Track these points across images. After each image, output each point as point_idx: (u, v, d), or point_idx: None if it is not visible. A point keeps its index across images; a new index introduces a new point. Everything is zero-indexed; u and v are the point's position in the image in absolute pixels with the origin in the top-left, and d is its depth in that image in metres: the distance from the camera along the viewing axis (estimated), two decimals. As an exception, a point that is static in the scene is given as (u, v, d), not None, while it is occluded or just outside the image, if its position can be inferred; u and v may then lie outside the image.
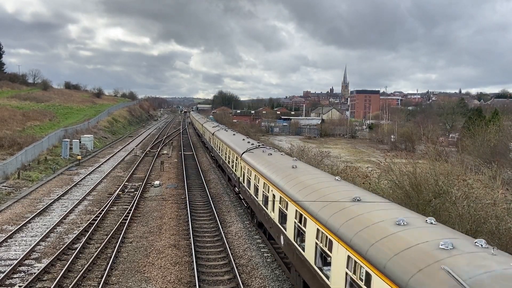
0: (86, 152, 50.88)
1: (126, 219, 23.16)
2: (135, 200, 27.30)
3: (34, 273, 15.93)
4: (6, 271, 15.76)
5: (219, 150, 38.53)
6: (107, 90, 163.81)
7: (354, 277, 9.32)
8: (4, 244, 19.05)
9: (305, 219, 12.83)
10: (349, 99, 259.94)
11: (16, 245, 19.09)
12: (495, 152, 38.16)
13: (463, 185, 17.94)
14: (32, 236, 20.36)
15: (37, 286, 15.07)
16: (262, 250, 19.13)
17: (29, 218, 22.93)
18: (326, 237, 11.05)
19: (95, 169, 40.38)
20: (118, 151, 54.96)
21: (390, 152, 38.01)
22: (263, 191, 18.90)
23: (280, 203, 15.98)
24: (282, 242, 15.59)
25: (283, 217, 15.58)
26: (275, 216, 16.71)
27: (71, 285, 14.74)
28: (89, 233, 20.67)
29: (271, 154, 22.93)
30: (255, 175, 20.87)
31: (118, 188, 31.23)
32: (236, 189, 27.31)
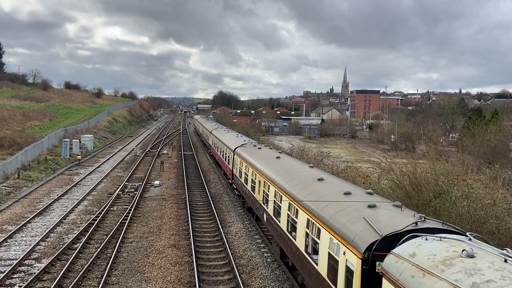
0: (86, 152, 50.86)
1: (126, 219, 23.14)
2: (135, 200, 27.29)
3: (34, 273, 15.92)
4: (6, 271, 15.76)
5: (215, 147, 41.89)
6: (106, 90, 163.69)
7: (308, 231, 12.69)
8: (4, 244, 19.04)
9: (281, 196, 15.85)
10: (349, 99, 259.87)
11: (16, 245, 19.08)
12: (495, 152, 38.11)
13: (463, 185, 17.91)
14: (32, 236, 20.34)
15: (37, 286, 15.06)
16: (262, 250, 19.13)
17: (29, 218, 22.92)
18: (294, 207, 14.18)
19: (95, 169, 40.37)
20: (118, 151, 54.95)
21: (390, 152, 38.02)
22: (252, 179, 22.01)
23: (264, 187, 19.10)
24: (265, 218, 18.72)
25: (265, 198, 18.66)
26: (260, 198, 19.85)
27: (71, 285, 14.74)
28: (89, 233, 20.65)
29: (260, 149, 26.30)
30: (246, 165, 23.96)
31: (118, 188, 31.21)
32: (230, 180, 30.73)
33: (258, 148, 26.41)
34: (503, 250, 7.15)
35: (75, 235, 20.48)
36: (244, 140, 31.81)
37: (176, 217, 24.32)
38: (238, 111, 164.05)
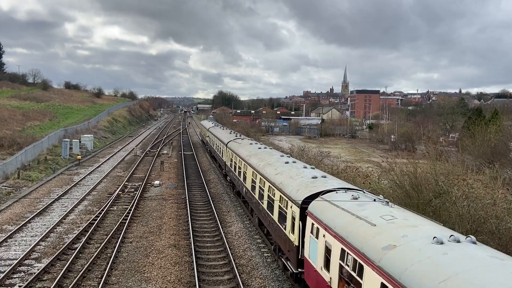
0: (86, 152, 50.86)
1: (126, 219, 23.14)
2: (135, 200, 27.29)
3: (34, 273, 15.92)
4: (6, 271, 15.76)
5: (203, 132, 58.42)
6: (106, 90, 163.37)
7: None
8: (4, 244, 19.04)
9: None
10: (349, 99, 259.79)
11: (16, 245, 19.08)
12: (495, 152, 38.10)
13: (463, 185, 17.91)
14: (32, 236, 20.34)
15: (37, 286, 15.06)
16: (262, 250, 19.14)
17: (29, 218, 22.92)
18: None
19: (95, 169, 40.36)
20: (118, 151, 54.93)
21: (391, 152, 38.00)
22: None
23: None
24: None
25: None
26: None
27: (71, 285, 14.74)
28: (89, 233, 20.65)
29: (221, 128, 41.19)
30: (211, 135, 39.95)
31: (118, 188, 31.21)
32: (206, 146, 46.62)
33: (221, 128, 39.08)
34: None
35: (75, 235, 20.48)
36: (214, 124, 39.07)
37: (176, 217, 24.32)
38: (238, 111, 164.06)
